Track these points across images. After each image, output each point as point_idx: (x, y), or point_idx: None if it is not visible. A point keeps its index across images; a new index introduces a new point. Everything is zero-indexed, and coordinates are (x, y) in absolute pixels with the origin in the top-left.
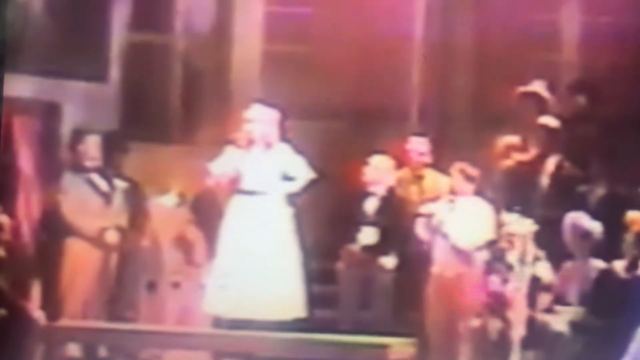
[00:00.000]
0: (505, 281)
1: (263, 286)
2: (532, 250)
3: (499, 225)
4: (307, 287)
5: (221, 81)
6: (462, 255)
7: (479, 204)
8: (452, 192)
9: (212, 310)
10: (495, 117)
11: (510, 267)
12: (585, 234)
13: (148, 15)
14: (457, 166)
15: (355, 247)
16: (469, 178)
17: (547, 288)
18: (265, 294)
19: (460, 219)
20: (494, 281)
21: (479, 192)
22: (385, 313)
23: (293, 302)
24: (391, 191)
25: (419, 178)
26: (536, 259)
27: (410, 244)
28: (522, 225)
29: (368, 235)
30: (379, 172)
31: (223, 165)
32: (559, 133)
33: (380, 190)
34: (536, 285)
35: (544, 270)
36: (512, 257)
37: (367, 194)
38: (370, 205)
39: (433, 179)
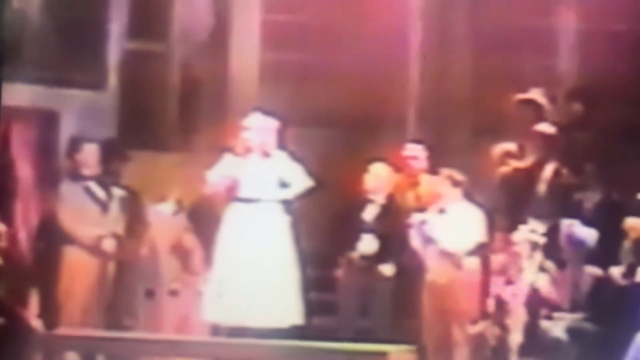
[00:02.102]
0: (505, 285)
1: (260, 293)
2: (529, 256)
3: (499, 231)
4: (304, 294)
5: (219, 89)
6: (453, 260)
7: (468, 208)
8: (441, 198)
9: (210, 318)
10: (492, 124)
11: (510, 274)
12: (578, 242)
13: (146, 24)
14: (445, 172)
15: (354, 255)
16: (456, 183)
17: (545, 295)
18: (263, 301)
19: (449, 224)
20: (497, 284)
21: (468, 197)
22: (384, 320)
23: (290, 310)
24: (390, 198)
25: (415, 184)
26: (535, 265)
27: (408, 251)
28: (525, 234)
29: (367, 243)
30: (379, 180)
31: (220, 173)
32: (556, 140)
33: (379, 197)
34: (535, 292)
35: (543, 278)
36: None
37: (366, 202)
38: (370, 213)
39: (429, 185)
